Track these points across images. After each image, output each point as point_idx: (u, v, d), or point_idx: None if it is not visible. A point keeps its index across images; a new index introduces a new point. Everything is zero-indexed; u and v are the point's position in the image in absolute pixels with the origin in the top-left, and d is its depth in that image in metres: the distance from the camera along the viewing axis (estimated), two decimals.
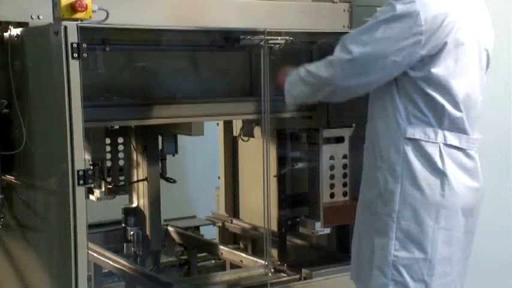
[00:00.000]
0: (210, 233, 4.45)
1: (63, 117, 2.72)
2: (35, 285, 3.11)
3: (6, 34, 3.04)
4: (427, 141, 2.71)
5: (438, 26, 2.63)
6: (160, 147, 3.92)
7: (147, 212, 3.88)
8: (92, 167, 3.27)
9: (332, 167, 3.51)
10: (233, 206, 4.38)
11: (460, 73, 2.71)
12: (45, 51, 2.83)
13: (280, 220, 3.72)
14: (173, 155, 3.98)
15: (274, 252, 3.83)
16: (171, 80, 3.54)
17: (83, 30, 2.70)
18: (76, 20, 2.73)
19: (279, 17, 3.50)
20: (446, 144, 2.72)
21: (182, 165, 4.98)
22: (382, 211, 2.77)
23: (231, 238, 4.38)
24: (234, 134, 4.29)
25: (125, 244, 3.85)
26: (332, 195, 3.52)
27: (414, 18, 2.61)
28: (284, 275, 3.56)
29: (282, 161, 3.72)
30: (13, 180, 3.14)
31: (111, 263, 3.55)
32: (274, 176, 3.81)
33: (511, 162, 4.57)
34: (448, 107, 2.70)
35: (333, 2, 3.73)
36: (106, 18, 2.85)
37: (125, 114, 3.27)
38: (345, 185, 3.53)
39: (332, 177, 3.51)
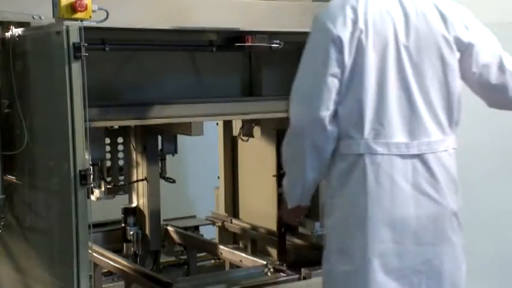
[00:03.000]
0: (209, 232, 4.44)
1: (65, 117, 2.73)
2: (37, 285, 3.11)
3: (7, 34, 3.04)
4: (351, 154, 2.60)
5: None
6: (160, 147, 3.92)
7: (146, 212, 3.89)
8: (91, 167, 3.27)
9: None
10: (233, 205, 4.37)
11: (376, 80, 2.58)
12: (46, 51, 2.83)
13: (279, 220, 3.73)
14: (173, 155, 3.98)
15: (274, 252, 3.84)
16: (171, 79, 3.54)
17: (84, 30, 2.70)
18: (76, 19, 2.74)
19: (279, 17, 3.50)
20: (372, 154, 2.58)
21: (182, 165, 4.99)
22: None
23: (230, 238, 4.37)
24: (234, 134, 4.29)
25: (124, 244, 3.86)
26: None
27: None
28: (283, 274, 3.56)
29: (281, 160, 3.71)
30: (14, 180, 3.14)
31: (110, 262, 3.55)
32: (274, 176, 3.83)
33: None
34: (368, 114, 2.57)
35: None
36: (106, 18, 2.85)
37: (125, 114, 3.27)
38: None
39: None
